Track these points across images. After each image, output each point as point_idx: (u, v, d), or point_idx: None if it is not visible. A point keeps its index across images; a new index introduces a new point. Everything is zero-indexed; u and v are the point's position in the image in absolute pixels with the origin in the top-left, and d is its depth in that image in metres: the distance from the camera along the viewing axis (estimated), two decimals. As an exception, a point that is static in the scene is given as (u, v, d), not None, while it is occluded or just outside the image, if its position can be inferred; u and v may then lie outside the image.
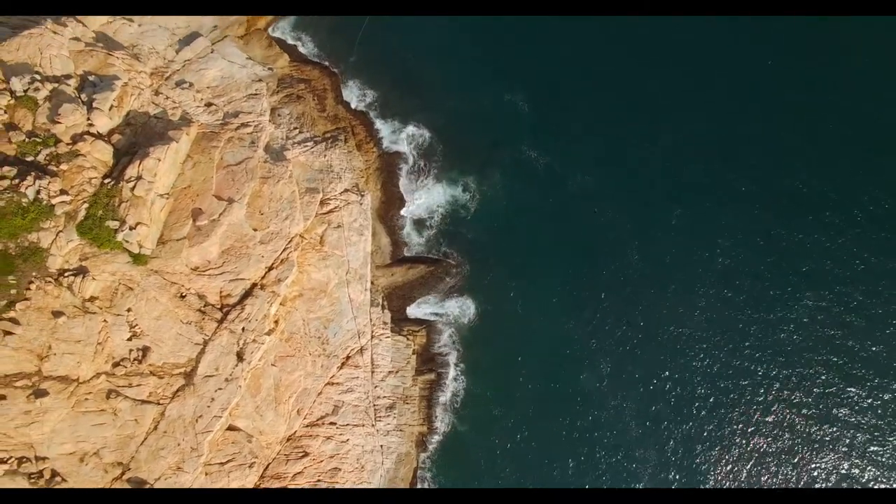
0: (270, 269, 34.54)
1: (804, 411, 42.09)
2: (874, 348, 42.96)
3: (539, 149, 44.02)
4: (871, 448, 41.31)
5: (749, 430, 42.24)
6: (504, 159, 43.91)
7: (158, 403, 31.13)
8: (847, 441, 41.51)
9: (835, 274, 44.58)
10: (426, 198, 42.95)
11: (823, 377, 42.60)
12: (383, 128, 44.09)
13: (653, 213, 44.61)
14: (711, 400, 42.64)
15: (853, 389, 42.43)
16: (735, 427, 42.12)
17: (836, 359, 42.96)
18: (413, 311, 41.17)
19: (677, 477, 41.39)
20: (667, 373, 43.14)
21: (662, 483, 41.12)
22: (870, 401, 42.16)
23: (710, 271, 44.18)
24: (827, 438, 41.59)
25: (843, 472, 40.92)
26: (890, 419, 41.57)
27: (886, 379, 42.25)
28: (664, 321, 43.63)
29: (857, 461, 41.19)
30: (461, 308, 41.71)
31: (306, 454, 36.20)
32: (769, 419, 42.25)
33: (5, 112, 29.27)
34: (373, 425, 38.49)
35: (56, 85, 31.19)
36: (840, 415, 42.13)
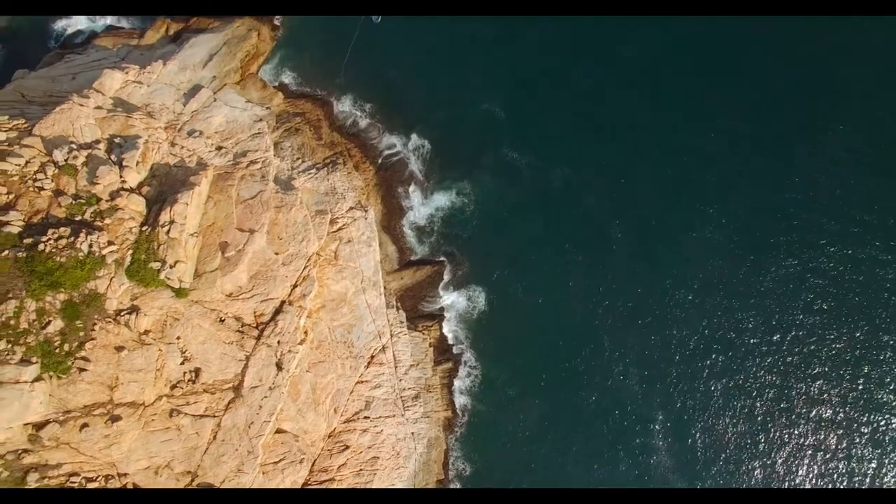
0: (295, 286, 38.80)
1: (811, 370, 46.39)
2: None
3: (519, 150, 48.40)
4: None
5: (745, 381, 46.75)
6: (489, 163, 48.24)
7: (214, 416, 35.40)
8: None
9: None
10: (424, 206, 47.30)
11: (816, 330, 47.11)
12: (376, 146, 48.35)
13: (629, 192, 48.99)
14: (710, 360, 47.06)
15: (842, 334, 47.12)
16: (736, 384, 46.62)
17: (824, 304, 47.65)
18: (425, 308, 45.54)
19: (681, 434, 45.71)
20: (663, 338, 47.44)
21: (667, 438, 45.43)
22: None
23: (688, 238, 48.67)
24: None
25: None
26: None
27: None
28: (654, 290, 47.98)
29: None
30: (468, 300, 46.06)
31: (347, 447, 40.51)
32: (769, 377, 46.67)
33: (52, 181, 33.55)
34: (402, 415, 42.75)
35: (89, 151, 35.46)
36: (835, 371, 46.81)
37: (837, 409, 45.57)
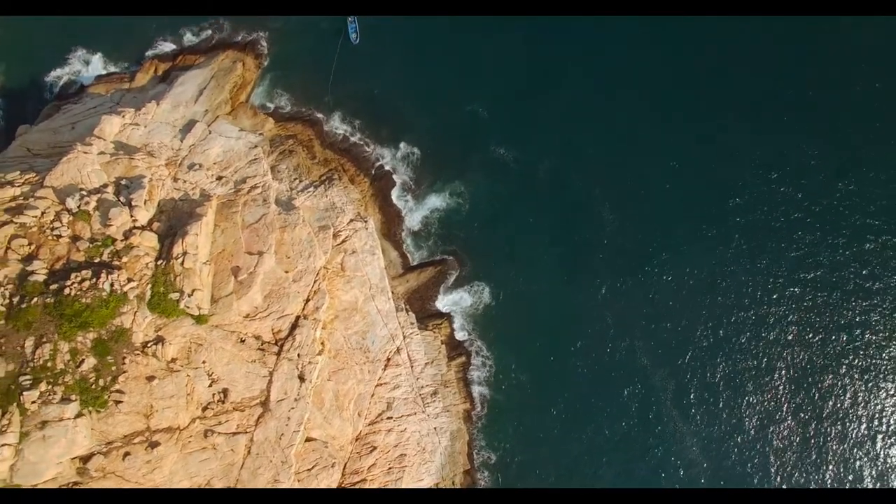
0: (307, 301, 40.66)
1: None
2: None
3: (505, 146, 50.35)
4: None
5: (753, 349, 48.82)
6: (478, 162, 50.15)
7: (246, 432, 37.27)
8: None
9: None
10: (420, 210, 49.21)
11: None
12: (368, 158, 50.18)
13: (615, 174, 50.93)
14: (708, 326, 49.12)
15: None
16: (732, 344, 48.65)
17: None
18: (432, 307, 47.44)
19: (685, 399, 47.72)
20: (662, 309, 49.47)
21: (675, 404, 47.46)
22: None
23: (676, 210, 50.68)
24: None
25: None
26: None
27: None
28: (648, 265, 49.94)
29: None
30: (473, 295, 47.98)
31: (374, 448, 42.41)
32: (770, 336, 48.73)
33: (68, 228, 35.41)
34: (423, 412, 44.64)
35: (99, 195, 37.30)
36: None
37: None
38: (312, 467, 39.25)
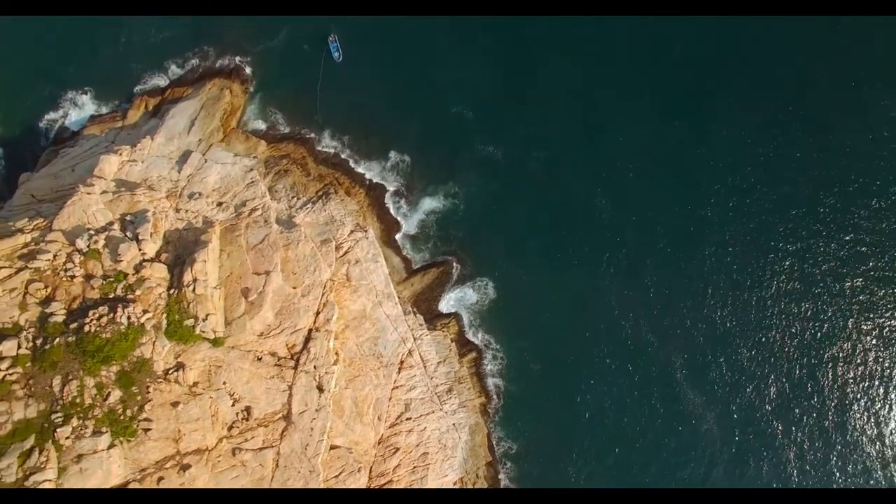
0: (317, 313, 41.85)
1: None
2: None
3: (493, 143, 51.59)
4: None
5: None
6: (468, 161, 51.36)
7: (272, 446, 38.48)
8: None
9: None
10: (416, 214, 50.43)
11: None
12: (361, 170, 51.35)
13: (602, 160, 52.16)
14: (707, 296, 50.35)
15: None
16: (717, 302, 50.12)
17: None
18: (439, 307, 48.65)
19: (698, 368, 48.90)
20: (663, 286, 50.82)
21: (684, 372, 48.74)
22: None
23: (662, 195, 52.02)
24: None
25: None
26: None
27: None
28: (643, 245, 51.25)
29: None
30: (477, 291, 49.25)
31: (397, 449, 43.64)
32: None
33: (81, 268, 36.62)
34: (441, 409, 45.86)
35: (106, 233, 38.52)
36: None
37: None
38: (339, 474, 40.48)
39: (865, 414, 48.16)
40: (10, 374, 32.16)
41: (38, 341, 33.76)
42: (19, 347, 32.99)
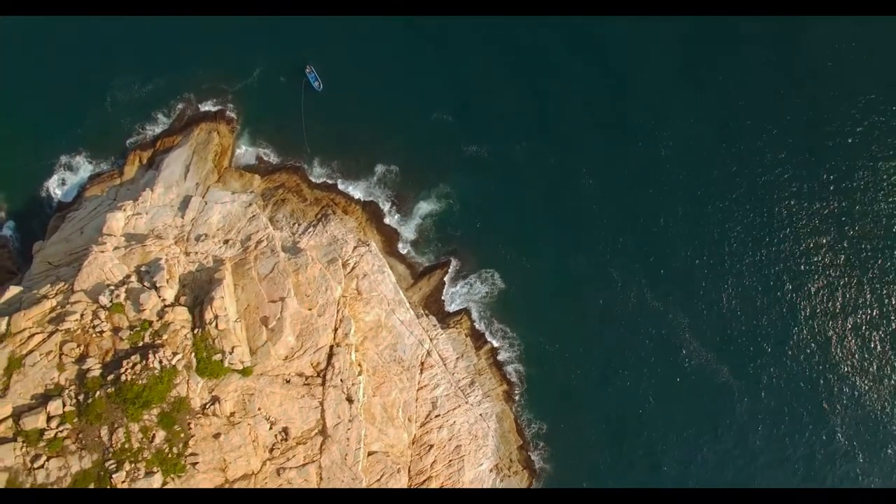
0: (336, 330, 43.82)
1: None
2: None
3: (477, 142, 53.54)
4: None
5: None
6: (456, 162, 53.23)
7: (314, 461, 40.47)
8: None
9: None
10: (414, 220, 52.34)
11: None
12: (354, 188, 53.14)
13: (584, 145, 54.17)
14: (703, 257, 52.31)
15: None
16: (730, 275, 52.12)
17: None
18: (449, 306, 50.60)
19: (700, 333, 51.03)
20: (665, 256, 53.14)
21: (696, 339, 50.91)
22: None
23: (646, 169, 54.03)
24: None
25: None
26: None
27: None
28: (637, 219, 53.37)
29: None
30: (484, 284, 51.20)
31: (431, 446, 45.61)
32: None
33: (107, 322, 38.62)
34: (466, 402, 47.81)
35: (125, 286, 40.44)
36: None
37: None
38: (381, 477, 42.49)
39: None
40: (61, 432, 34.16)
41: (81, 397, 35.71)
42: (64, 405, 34.98)
